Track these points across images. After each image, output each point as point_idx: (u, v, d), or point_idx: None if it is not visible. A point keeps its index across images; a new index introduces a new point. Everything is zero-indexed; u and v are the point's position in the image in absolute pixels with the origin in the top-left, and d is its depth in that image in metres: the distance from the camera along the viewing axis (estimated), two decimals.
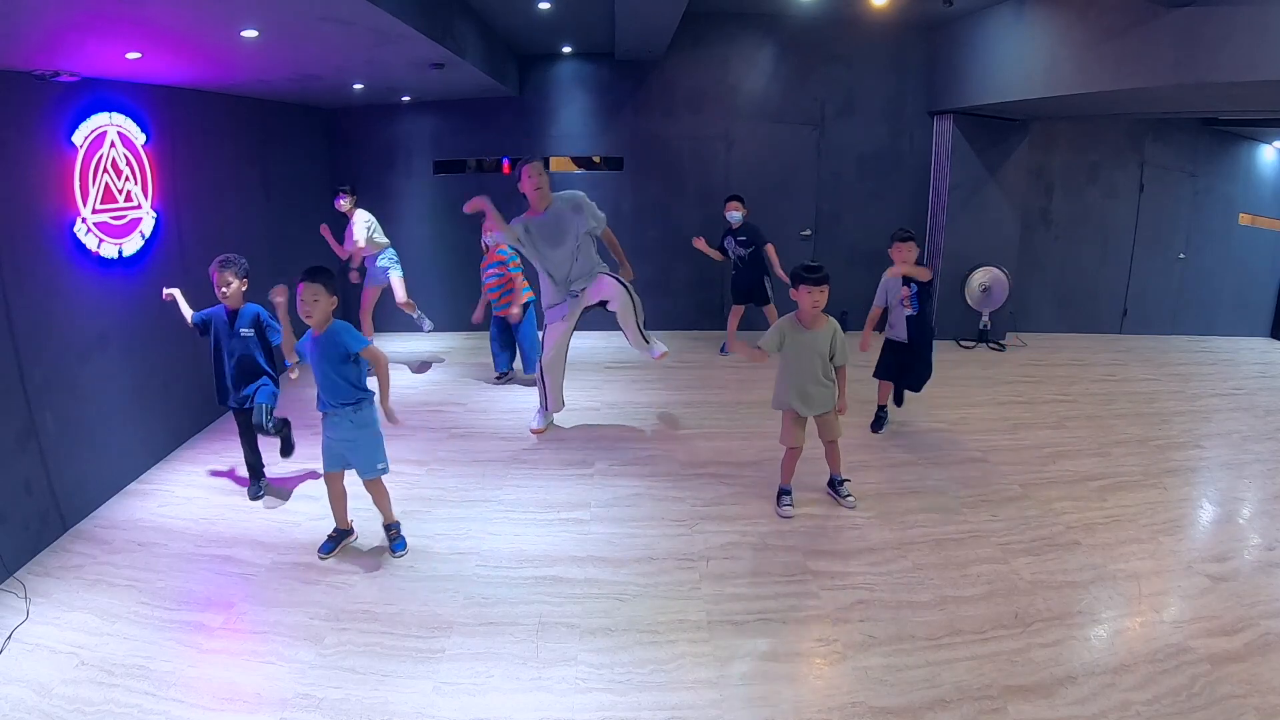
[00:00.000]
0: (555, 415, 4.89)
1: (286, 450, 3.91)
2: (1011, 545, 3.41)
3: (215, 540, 3.43)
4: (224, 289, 3.61)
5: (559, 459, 4.36)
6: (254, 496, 3.83)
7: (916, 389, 4.71)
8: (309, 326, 3.14)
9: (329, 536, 3.36)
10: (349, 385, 3.16)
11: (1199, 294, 7.86)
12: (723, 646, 2.71)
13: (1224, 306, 7.96)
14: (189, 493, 3.89)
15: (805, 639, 2.77)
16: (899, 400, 4.82)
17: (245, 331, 3.67)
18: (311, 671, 2.56)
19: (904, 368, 4.61)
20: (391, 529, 3.38)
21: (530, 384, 5.59)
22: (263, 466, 3.90)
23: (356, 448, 3.22)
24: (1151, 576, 3.17)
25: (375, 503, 3.36)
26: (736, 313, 6.37)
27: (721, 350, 6.58)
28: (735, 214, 6.05)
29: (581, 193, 4.44)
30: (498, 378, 5.82)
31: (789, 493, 3.73)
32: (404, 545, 3.35)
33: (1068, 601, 2.98)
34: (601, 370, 5.89)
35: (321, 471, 3.32)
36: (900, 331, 4.55)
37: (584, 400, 5.23)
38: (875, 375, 4.71)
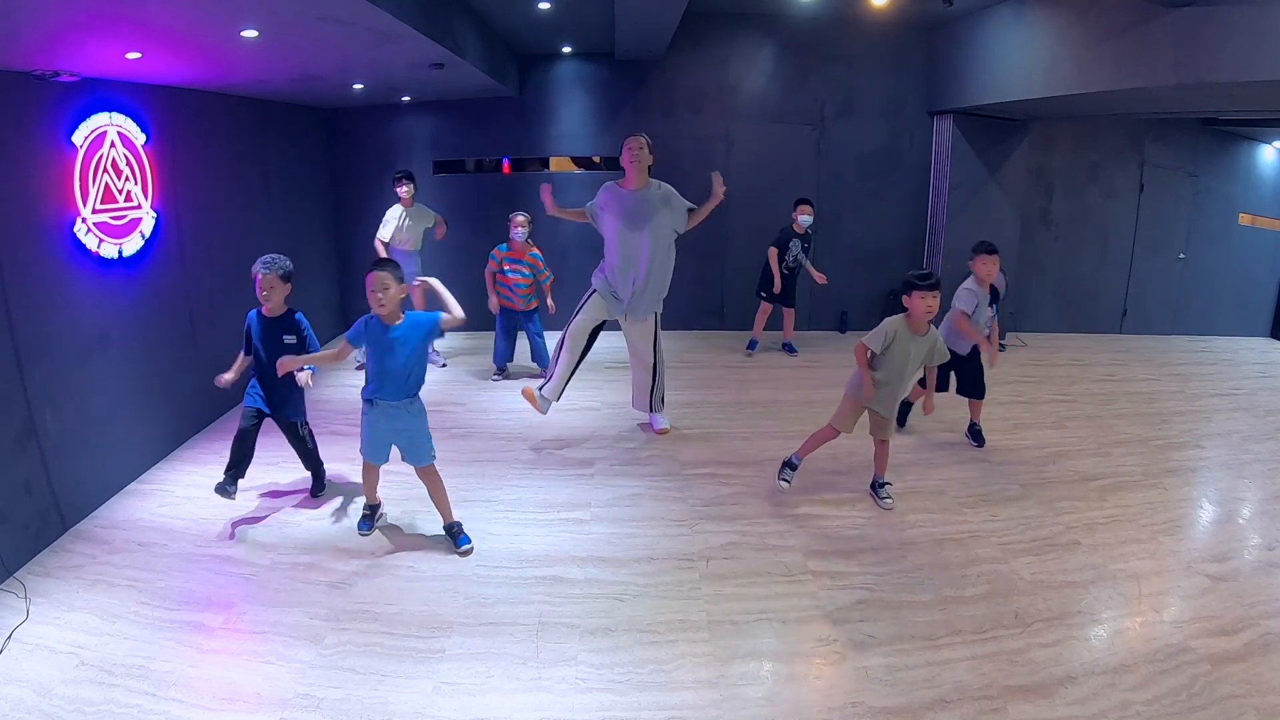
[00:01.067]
0: (553, 403, 4.58)
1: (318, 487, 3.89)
2: (1011, 545, 3.41)
3: (215, 540, 3.43)
4: (266, 292, 3.47)
5: (559, 459, 4.36)
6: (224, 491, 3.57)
7: (979, 395, 4.55)
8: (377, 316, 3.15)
9: (364, 515, 3.48)
10: (421, 376, 3.26)
11: (1199, 294, 7.86)
12: (723, 646, 2.71)
13: (1224, 306, 7.97)
14: (189, 493, 3.89)
15: (805, 639, 2.77)
16: (978, 439, 4.62)
17: (288, 339, 3.53)
18: (311, 671, 2.56)
19: (959, 375, 4.50)
20: (453, 528, 3.40)
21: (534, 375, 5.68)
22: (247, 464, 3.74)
23: (413, 438, 3.28)
24: (1151, 576, 3.17)
25: (434, 497, 3.39)
26: (767, 310, 6.48)
27: (749, 349, 6.58)
28: (807, 217, 6.20)
29: (674, 191, 4.41)
30: (497, 373, 5.83)
31: (795, 467, 3.74)
32: (468, 540, 3.35)
33: (1068, 601, 2.98)
34: (601, 370, 5.89)
35: (367, 460, 3.37)
36: (964, 344, 4.39)
37: (584, 400, 5.22)
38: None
